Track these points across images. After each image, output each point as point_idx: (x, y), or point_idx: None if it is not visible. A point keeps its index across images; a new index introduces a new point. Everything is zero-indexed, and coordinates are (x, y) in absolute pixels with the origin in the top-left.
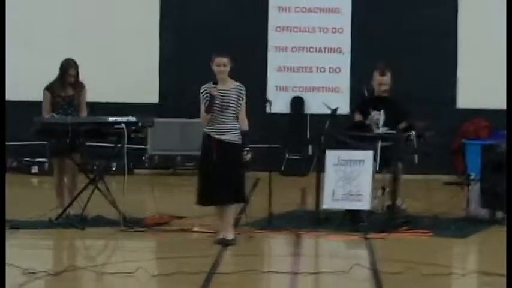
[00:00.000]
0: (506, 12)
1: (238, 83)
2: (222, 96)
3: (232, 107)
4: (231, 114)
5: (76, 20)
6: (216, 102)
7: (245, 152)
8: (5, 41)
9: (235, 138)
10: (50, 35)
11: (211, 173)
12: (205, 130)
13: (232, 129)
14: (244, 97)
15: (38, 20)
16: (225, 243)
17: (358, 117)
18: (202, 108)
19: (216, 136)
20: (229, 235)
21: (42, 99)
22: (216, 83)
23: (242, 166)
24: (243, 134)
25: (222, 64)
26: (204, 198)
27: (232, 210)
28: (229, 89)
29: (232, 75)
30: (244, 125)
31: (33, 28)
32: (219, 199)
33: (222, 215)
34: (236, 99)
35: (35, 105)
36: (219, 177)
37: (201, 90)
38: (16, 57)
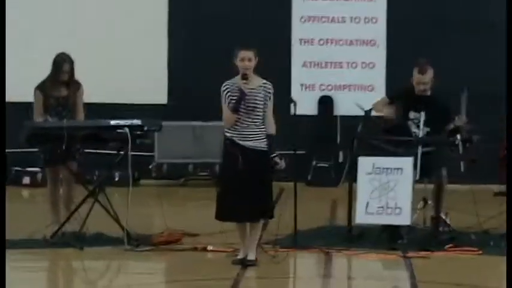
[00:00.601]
0: (507, 12)
1: (264, 80)
2: (247, 95)
3: (258, 108)
4: (257, 117)
5: (79, 14)
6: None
7: (277, 159)
8: (5, 41)
9: (261, 144)
10: (51, 32)
11: (234, 183)
12: (228, 134)
13: (258, 134)
14: (271, 96)
15: (38, 18)
16: (245, 264)
17: (390, 110)
18: (226, 108)
19: (241, 142)
20: (251, 255)
21: (33, 101)
22: (245, 77)
23: (270, 177)
24: (269, 138)
25: (247, 59)
26: (226, 213)
27: (258, 226)
28: (256, 87)
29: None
30: (271, 128)
31: (32, 27)
32: (245, 214)
33: (244, 232)
34: (263, 99)
35: (22, 108)
36: (245, 189)
37: (223, 88)
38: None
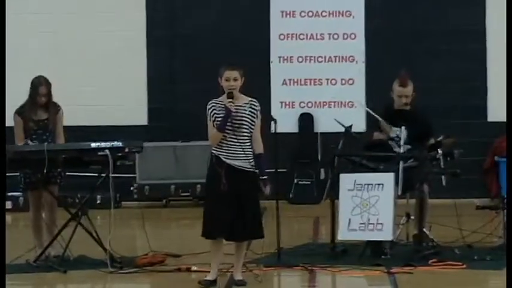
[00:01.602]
0: (506, 12)
1: (251, 98)
2: (233, 113)
3: (244, 126)
4: (244, 135)
5: (58, 36)
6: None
7: (263, 183)
8: (5, 44)
9: (248, 164)
10: (28, 57)
11: (221, 200)
12: (214, 152)
13: (245, 153)
14: (259, 114)
15: (15, 45)
16: (235, 284)
17: (377, 134)
18: (211, 126)
19: (227, 160)
20: (238, 275)
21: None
22: (230, 97)
23: (257, 196)
24: (258, 158)
25: (232, 78)
26: (214, 229)
27: (244, 246)
28: (242, 104)
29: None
30: (259, 147)
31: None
32: (236, 233)
33: (218, 253)
34: (250, 117)
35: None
36: (232, 208)
37: (209, 106)
38: None
